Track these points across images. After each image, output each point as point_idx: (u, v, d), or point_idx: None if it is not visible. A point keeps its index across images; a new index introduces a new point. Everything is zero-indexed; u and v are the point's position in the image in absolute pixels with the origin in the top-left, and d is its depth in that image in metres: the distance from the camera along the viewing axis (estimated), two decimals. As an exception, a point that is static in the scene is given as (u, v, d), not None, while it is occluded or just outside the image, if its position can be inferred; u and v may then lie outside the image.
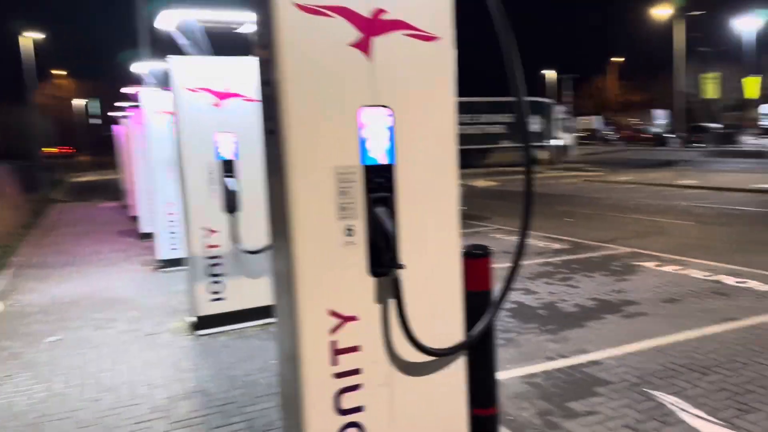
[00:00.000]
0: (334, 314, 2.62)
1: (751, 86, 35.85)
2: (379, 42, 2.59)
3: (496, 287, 2.98)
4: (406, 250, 2.66)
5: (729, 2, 40.04)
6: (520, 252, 2.83)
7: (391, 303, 2.70)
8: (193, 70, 5.55)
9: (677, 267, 7.72)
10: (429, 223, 2.77)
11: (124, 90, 10.93)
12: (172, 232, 9.01)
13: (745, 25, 38.10)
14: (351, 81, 2.56)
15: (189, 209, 5.64)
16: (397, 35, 2.62)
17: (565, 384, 4.31)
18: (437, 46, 2.70)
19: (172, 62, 5.49)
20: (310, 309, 2.58)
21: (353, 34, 2.54)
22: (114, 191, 25.18)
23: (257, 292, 5.91)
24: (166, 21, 5.84)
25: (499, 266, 3.20)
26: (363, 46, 2.56)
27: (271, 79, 2.56)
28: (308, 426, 2.61)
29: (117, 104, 13.90)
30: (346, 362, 2.65)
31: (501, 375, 4.06)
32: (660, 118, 55.94)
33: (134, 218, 14.88)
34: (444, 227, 2.81)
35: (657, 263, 8.03)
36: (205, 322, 5.76)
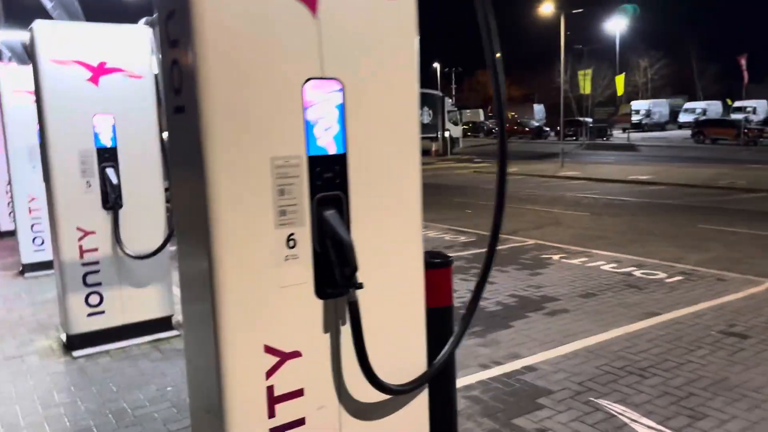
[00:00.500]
0: (271, 351, 2.00)
1: (620, 83, 38.34)
2: (330, -7, 2.00)
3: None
4: (363, 262, 2.08)
5: (606, 1, 42.62)
6: (490, 257, 2.32)
7: (344, 332, 2.12)
8: (63, 38, 4.58)
9: (584, 259, 7.71)
10: (390, 228, 2.21)
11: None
12: (37, 231, 7.77)
13: (616, 25, 40.68)
14: (293, 45, 1.94)
15: (57, 206, 4.68)
16: (352, -14, 2.05)
17: (506, 396, 3.93)
18: (398, 2, 2.14)
19: (37, 28, 4.49)
20: (239, 346, 1.95)
21: (298, -21, 1.93)
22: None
23: (144, 303, 5.07)
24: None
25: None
26: (309, -1, 1.96)
27: (182, 38, 1.88)
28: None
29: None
30: (286, 412, 2.04)
31: (441, 393, 3.59)
32: (539, 112, 58.77)
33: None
34: (407, 233, 2.26)
35: (563, 255, 7.99)
36: (81, 341, 4.83)
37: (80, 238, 4.76)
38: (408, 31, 2.17)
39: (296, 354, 2.04)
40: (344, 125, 2.07)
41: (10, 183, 7.75)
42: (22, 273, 7.76)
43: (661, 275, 6.78)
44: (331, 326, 2.10)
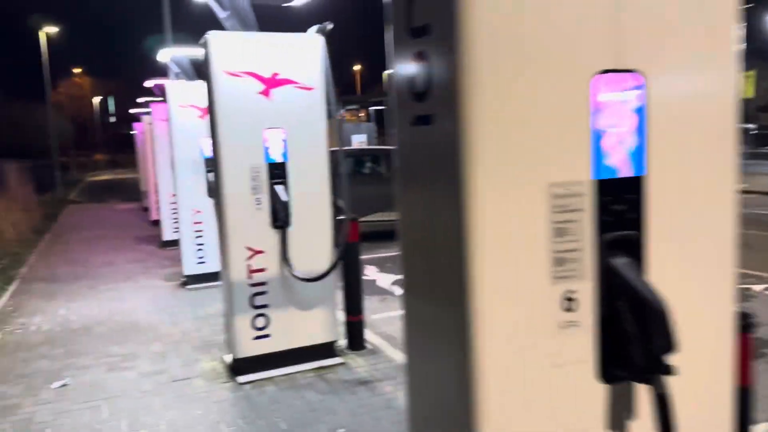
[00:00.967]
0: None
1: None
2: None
3: None
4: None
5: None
6: None
7: None
8: (237, 50, 4.40)
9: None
10: (700, 283, 1.58)
11: (147, 83, 9.85)
12: (200, 244, 7.88)
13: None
14: (583, 25, 1.38)
15: (227, 223, 4.48)
16: None
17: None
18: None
19: (212, 39, 4.33)
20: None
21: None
22: (132, 192, 24.25)
23: (309, 328, 4.76)
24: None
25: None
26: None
27: (437, 22, 1.40)
28: None
29: (138, 100, 12.83)
30: None
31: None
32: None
33: (154, 223, 13.86)
34: (720, 289, 1.61)
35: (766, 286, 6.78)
36: (246, 365, 4.60)
37: (249, 258, 4.54)
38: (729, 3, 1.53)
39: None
40: (644, 136, 1.48)
41: (176, 194, 7.93)
42: (184, 285, 7.90)
43: None
44: (618, 423, 1.51)
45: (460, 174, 1.36)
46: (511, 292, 1.40)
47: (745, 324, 1.82)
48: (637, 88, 1.46)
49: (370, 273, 7.95)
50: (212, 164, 7.71)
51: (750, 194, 16.86)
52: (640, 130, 1.47)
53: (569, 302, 1.45)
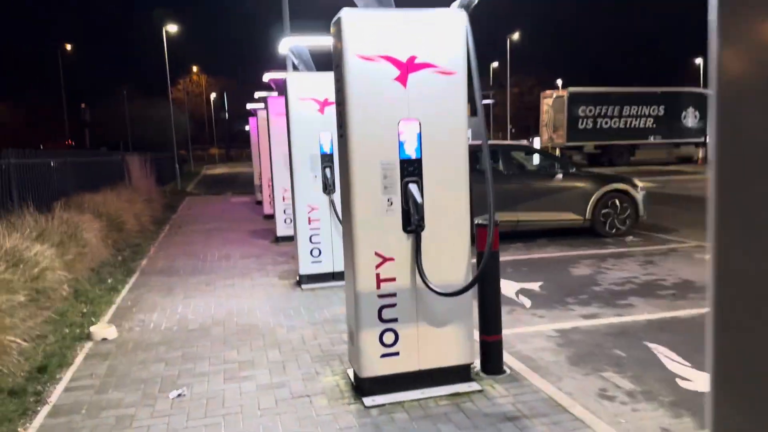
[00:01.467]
0: None
1: None
2: None
3: None
4: None
5: None
6: None
7: None
8: (371, 30, 3.88)
9: None
10: None
11: (265, 76, 9.69)
12: (315, 242, 7.55)
13: None
14: None
15: (355, 226, 3.99)
16: None
17: None
18: None
19: (345, 17, 3.83)
20: None
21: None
22: (245, 185, 24.89)
23: (441, 347, 4.20)
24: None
25: None
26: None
27: None
28: None
29: (255, 95, 12.84)
30: None
31: None
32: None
33: (267, 217, 13.90)
34: None
35: None
36: (371, 386, 4.12)
37: (378, 265, 4.03)
38: None
39: None
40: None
41: (292, 191, 7.64)
42: (299, 284, 7.60)
43: None
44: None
45: None
46: None
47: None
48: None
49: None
50: (329, 160, 7.44)
51: None
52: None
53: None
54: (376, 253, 4.02)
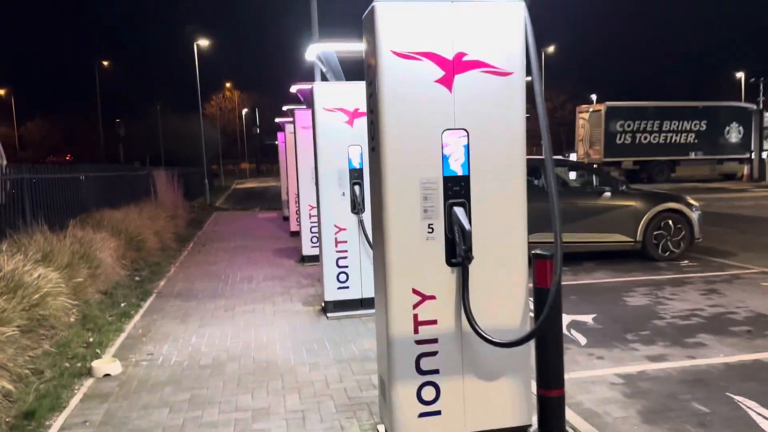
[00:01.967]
0: None
1: None
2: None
3: None
4: None
5: None
6: None
7: None
8: (410, 21, 3.20)
9: None
10: None
11: (293, 87, 9.13)
12: (342, 266, 6.89)
13: None
14: None
15: (389, 256, 3.31)
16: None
17: None
18: None
19: (380, 7, 3.18)
20: None
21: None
22: (273, 200, 24.47)
23: (492, 405, 3.48)
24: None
25: None
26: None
27: None
28: None
29: (283, 108, 12.33)
30: None
31: None
32: None
33: (294, 233, 13.33)
34: None
35: None
36: (408, 449, 3.40)
37: (416, 305, 3.34)
38: None
39: None
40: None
41: (318, 209, 7.01)
42: (324, 311, 6.95)
43: None
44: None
45: None
46: None
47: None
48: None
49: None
50: (359, 176, 6.79)
51: None
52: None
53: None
54: (414, 290, 3.33)
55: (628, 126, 30.97)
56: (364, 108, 6.75)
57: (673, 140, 31.49)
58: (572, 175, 11.59)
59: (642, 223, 9.67)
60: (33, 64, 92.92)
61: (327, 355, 5.45)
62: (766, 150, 31.50)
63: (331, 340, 5.87)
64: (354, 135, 6.75)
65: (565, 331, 6.03)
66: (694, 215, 9.93)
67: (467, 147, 3.31)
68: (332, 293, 6.89)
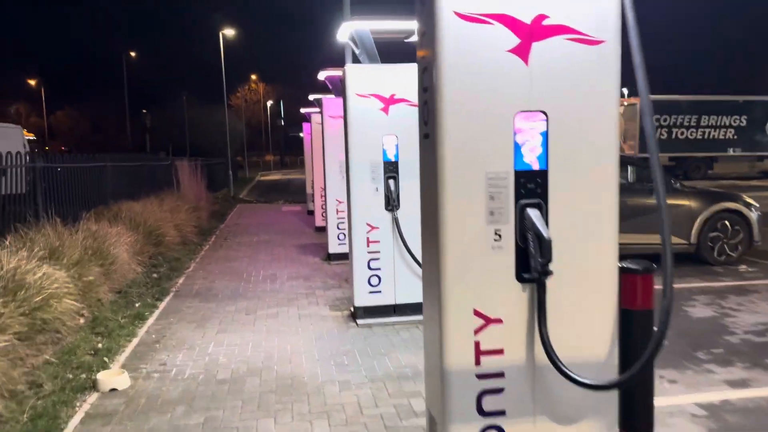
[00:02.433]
0: None
1: None
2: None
3: None
4: None
5: None
6: None
7: None
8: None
9: None
10: None
11: (320, 74, 8.54)
12: (374, 268, 6.27)
13: None
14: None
15: (446, 270, 2.66)
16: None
17: None
18: None
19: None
20: None
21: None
22: (298, 193, 23.97)
23: (571, 449, 2.81)
24: None
25: None
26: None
27: None
28: None
29: (310, 97, 11.74)
30: None
31: None
32: None
33: (319, 229, 12.77)
34: None
35: None
36: (464, 506, 2.77)
37: (478, 330, 2.69)
38: None
39: None
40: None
41: (348, 206, 6.40)
42: (353, 316, 6.35)
43: None
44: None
45: None
46: None
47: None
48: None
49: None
50: (394, 169, 6.16)
51: None
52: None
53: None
54: (476, 312, 2.68)
55: (665, 120, 29.87)
56: (400, 94, 6.18)
57: (711, 136, 30.31)
58: (623, 171, 10.80)
59: (697, 224, 8.89)
60: (62, 54, 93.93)
61: (359, 371, 4.83)
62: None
63: (363, 353, 5.26)
64: (389, 123, 6.12)
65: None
66: (754, 216, 9.13)
67: (546, 134, 2.64)
68: (363, 298, 6.28)
